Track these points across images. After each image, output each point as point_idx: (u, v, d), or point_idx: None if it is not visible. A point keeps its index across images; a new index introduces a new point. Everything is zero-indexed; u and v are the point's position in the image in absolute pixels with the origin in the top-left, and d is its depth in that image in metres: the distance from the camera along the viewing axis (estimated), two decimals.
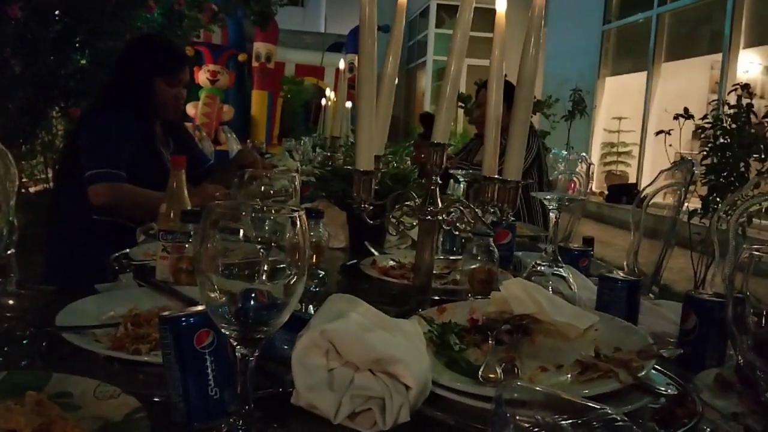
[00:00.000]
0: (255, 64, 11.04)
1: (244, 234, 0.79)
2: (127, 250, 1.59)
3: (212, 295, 0.76)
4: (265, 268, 0.80)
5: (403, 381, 0.84)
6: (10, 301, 1.40)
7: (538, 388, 0.81)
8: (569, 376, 0.97)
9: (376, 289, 1.55)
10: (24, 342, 1.06)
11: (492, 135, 1.26)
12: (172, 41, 3.28)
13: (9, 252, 2.01)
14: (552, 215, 1.32)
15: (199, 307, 0.83)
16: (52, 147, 6.29)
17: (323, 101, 4.79)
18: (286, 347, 1.00)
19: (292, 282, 0.78)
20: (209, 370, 0.81)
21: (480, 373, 0.93)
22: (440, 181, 1.27)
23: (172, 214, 1.36)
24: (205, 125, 8.51)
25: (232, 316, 0.77)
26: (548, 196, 1.32)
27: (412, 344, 0.91)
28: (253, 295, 0.79)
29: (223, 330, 0.77)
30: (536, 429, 0.79)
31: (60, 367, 0.91)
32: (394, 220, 1.29)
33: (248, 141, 6.38)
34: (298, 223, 0.78)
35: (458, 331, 1.09)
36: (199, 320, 0.81)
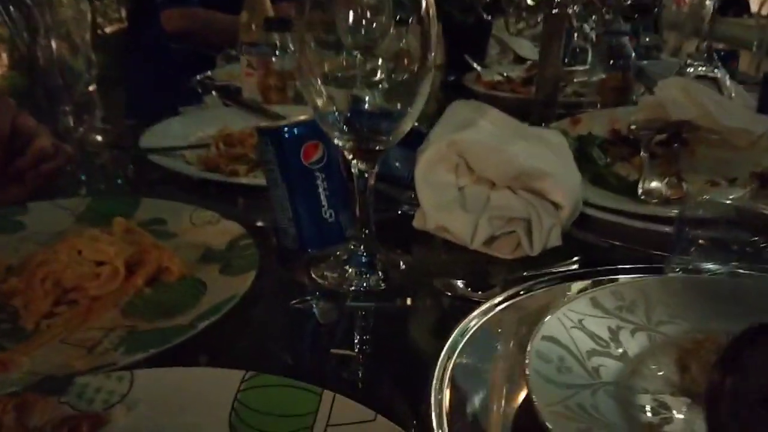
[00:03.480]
0: None
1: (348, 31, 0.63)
2: (209, 72, 1.45)
3: (319, 101, 0.61)
4: (380, 65, 0.64)
5: (552, 198, 0.69)
6: (98, 137, 1.35)
7: (728, 202, 0.64)
8: (747, 190, 0.79)
9: None
10: None
11: None
12: None
13: (91, 88, 1.95)
14: (709, 3, 1.08)
15: (303, 117, 0.68)
16: None
17: None
18: (398, 164, 0.86)
19: (412, 84, 0.62)
20: (321, 190, 0.67)
21: (640, 188, 0.77)
22: None
23: (254, 25, 1.19)
24: None
25: (344, 123, 0.62)
26: None
27: (559, 156, 0.74)
28: (366, 98, 0.64)
29: (336, 140, 0.63)
30: (727, 253, 0.64)
31: (149, 193, 0.80)
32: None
33: None
34: (423, 5, 0.60)
35: (600, 144, 0.92)
36: (305, 131, 0.67)
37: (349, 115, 0.62)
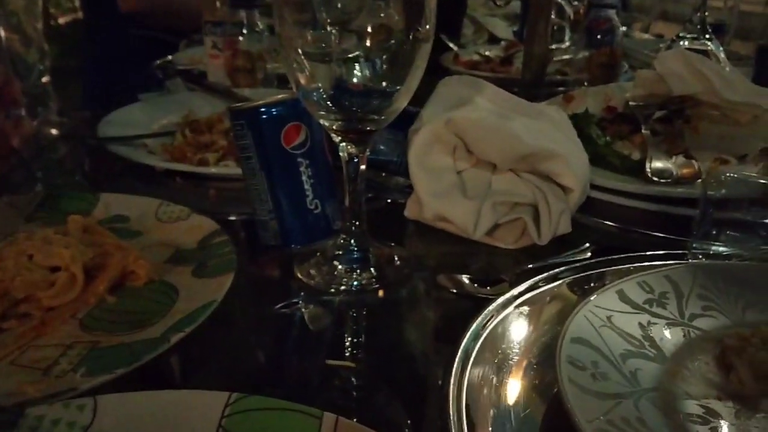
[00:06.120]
0: None
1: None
2: (170, 56, 1.36)
3: (302, 76, 0.54)
4: (369, 31, 0.56)
5: (561, 181, 0.63)
6: (53, 130, 1.27)
7: (757, 180, 0.59)
8: (759, 167, 0.74)
9: None
10: None
11: None
12: None
13: (44, 79, 1.86)
14: None
15: (281, 95, 0.61)
16: None
17: None
18: (383, 147, 0.79)
19: (403, 57, 0.55)
20: (304, 177, 0.60)
21: (648, 167, 0.71)
22: None
23: (218, 2, 1.10)
24: None
25: (330, 100, 0.55)
26: None
27: (565, 134, 0.68)
28: (354, 72, 0.56)
29: (321, 120, 0.56)
30: (754, 236, 0.59)
31: (109, 187, 0.72)
32: None
33: None
34: None
35: (597, 122, 0.86)
36: (285, 111, 0.59)
37: (335, 91, 0.55)
